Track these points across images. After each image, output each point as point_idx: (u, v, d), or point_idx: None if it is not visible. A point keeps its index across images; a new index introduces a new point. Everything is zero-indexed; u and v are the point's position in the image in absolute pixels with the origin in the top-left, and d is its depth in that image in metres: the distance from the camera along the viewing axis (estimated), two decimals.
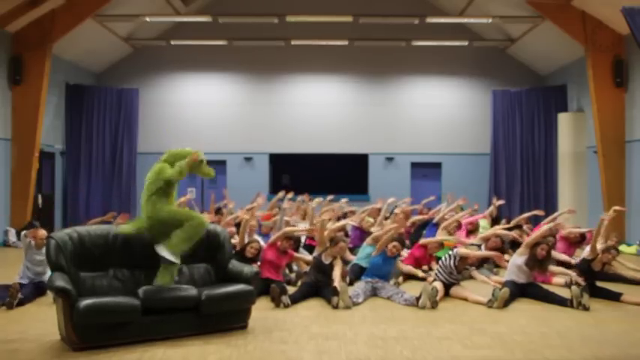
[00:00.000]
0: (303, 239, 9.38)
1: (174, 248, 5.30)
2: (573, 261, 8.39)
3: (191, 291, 5.34)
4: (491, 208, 11.67)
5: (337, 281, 6.74)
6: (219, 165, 17.23)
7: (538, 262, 6.93)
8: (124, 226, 5.41)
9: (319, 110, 17.57)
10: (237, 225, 9.05)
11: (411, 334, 5.44)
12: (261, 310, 6.21)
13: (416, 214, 11.57)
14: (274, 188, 17.46)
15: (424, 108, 17.62)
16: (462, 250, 7.19)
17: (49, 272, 6.88)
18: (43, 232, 7.06)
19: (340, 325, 5.79)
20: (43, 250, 6.99)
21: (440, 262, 7.34)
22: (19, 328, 5.67)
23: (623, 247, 12.06)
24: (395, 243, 7.40)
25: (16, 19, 12.72)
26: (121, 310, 4.98)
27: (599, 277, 7.69)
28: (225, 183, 17.20)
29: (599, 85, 13.44)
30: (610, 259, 7.08)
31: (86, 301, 4.86)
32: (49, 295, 6.75)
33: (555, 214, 10.00)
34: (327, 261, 7.14)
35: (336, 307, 6.46)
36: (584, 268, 7.08)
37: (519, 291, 6.89)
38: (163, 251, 5.27)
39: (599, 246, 7.09)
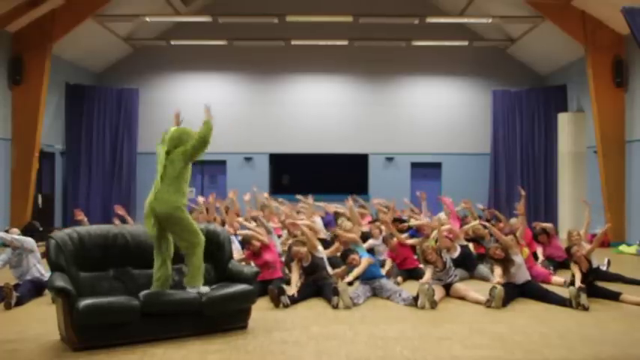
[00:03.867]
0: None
1: (195, 281, 5.39)
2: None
3: (192, 294, 5.34)
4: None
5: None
6: (220, 165, 17.25)
7: (504, 261, 7.00)
8: (148, 228, 5.34)
9: (319, 110, 17.57)
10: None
11: (411, 334, 5.44)
12: (261, 310, 6.21)
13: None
14: (274, 188, 17.48)
15: (424, 108, 17.63)
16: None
17: (32, 270, 6.97)
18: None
19: (340, 325, 5.78)
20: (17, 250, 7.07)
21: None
22: (18, 328, 5.67)
23: (623, 247, 12.07)
24: (352, 256, 7.24)
25: (16, 19, 12.72)
26: (120, 310, 4.98)
27: (601, 276, 7.70)
28: (225, 183, 17.22)
29: (599, 85, 13.43)
30: (579, 255, 7.06)
31: (86, 301, 4.85)
32: (48, 295, 6.76)
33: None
34: (307, 262, 7.18)
35: (336, 307, 6.46)
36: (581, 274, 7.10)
37: (518, 290, 6.89)
38: (192, 290, 5.38)
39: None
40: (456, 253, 8.31)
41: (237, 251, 8.45)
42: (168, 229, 5.35)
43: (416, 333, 5.49)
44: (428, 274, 7.02)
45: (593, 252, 7.44)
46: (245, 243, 7.73)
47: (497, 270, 7.00)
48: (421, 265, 8.47)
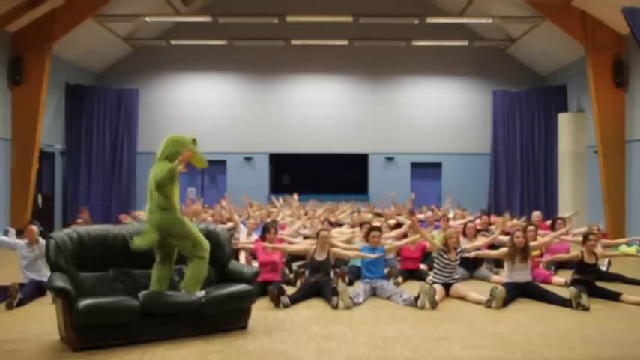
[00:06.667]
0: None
1: (191, 288, 5.34)
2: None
3: (191, 295, 5.33)
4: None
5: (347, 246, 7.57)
6: (220, 165, 17.26)
7: (520, 251, 6.99)
8: (138, 240, 5.23)
9: (319, 110, 17.58)
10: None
11: (411, 334, 5.44)
12: (261, 310, 6.21)
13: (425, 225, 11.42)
14: (274, 188, 17.48)
15: (424, 108, 17.63)
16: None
17: (45, 269, 6.96)
18: (34, 228, 7.25)
19: (340, 325, 5.78)
20: (35, 247, 7.06)
21: (434, 264, 7.36)
22: (18, 328, 5.66)
23: (623, 248, 12.05)
24: (374, 233, 7.44)
25: (16, 19, 12.72)
26: (120, 310, 4.98)
27: (601, 276, 7.71)
28: (225, 183, 17.23)
29: (599, 85, 13.44)
30: (593, 244, 7.12)
31: (86, 301, 4.85)
32: (49, 295, 6.75)
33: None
34: (320, 257, 7.15)
35: (336, 307, 6.46)
36: (581, 268, 7.11)
37: (519, 290, 6.89)
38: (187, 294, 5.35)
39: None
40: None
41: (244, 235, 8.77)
42: (169, 239, 5.34)
43: (416, 333, 5.49)
44: (434, 247, 7.24)
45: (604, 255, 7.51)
46: (268, 229, 7.65)
47: (504, 249, 7.09)
48: (422, 266, 8.52)
